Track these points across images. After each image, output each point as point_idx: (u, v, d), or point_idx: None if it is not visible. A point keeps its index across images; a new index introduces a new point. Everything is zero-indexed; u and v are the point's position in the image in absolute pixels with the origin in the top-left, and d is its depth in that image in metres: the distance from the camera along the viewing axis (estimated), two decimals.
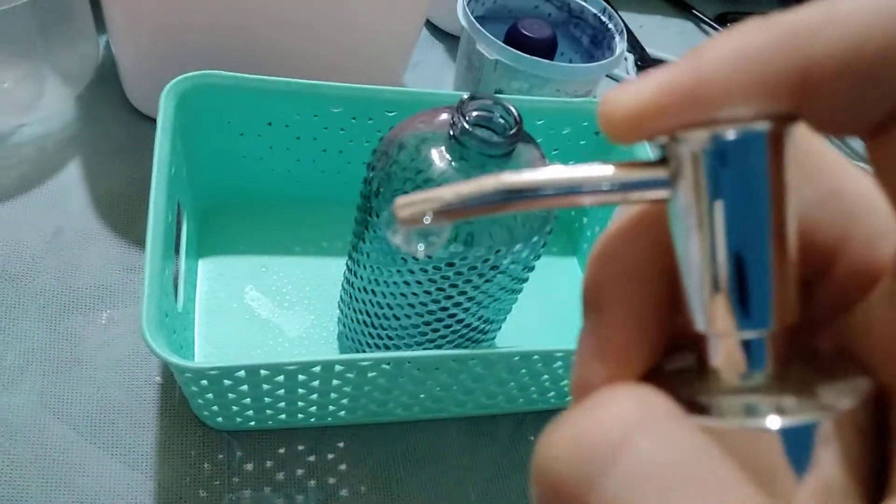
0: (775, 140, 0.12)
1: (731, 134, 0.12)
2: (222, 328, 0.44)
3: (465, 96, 0.34)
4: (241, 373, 0.34)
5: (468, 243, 0.34)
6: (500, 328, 0.44)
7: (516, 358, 0.38)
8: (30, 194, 0.49)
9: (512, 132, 0.33)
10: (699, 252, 0.13)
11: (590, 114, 0.50)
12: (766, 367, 0.13)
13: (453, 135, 0.34)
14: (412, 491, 0.42)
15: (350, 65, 0.54)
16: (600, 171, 0.13)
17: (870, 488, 0.12)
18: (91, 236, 0.48)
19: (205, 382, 0.35)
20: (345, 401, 0.40)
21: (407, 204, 0.14)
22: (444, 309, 0.38)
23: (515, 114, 0.34)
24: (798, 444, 0.12)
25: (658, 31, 0.83)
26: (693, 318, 0.13)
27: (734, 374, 0.13)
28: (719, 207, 0.12)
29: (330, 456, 0.42)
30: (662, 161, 0.13)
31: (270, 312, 0.46)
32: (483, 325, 0.41)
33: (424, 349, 0.40)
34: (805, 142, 0.13)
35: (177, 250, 0.42)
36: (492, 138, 0.33)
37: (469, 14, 0.56)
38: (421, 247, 0.15)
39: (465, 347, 0.42)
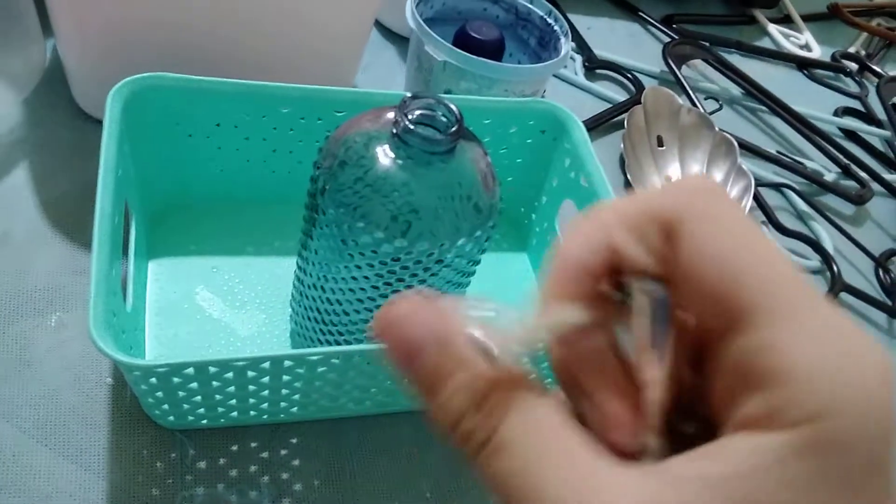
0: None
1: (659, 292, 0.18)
2: (173, 329, 0.45)
3: (408, 95, 0.35)
4: (190, 370, 0.35)
5: (412, 238, 0.35)
6: None
7: None
8: None
9: (453, 130, 0.34)
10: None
11: (536, 113, 0.52)
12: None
13: (396, 133, 0.35)
14: (365, 484, 0.42)
15: (300, 66, 0.55)
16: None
17: None
18: (40, 239, 0.47)
19: (154, 380, 0.35)
20: (296, 396, 0.40)
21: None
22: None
23: (457, 112, 0.35)
24: None
25: (606, 33, 0.85)
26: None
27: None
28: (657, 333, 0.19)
29: (283, 452, 0.42)
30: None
31: (222, 312, 0.46)
32: None
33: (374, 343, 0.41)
34: None
35: (125, 251, 0.42)
36: (434, 136, 0.34)
37: (418, 16, 0.57)
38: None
39: None
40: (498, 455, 0.16)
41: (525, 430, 0.16)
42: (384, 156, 0.35)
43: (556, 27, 0.61)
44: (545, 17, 0.62)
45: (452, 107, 0.35)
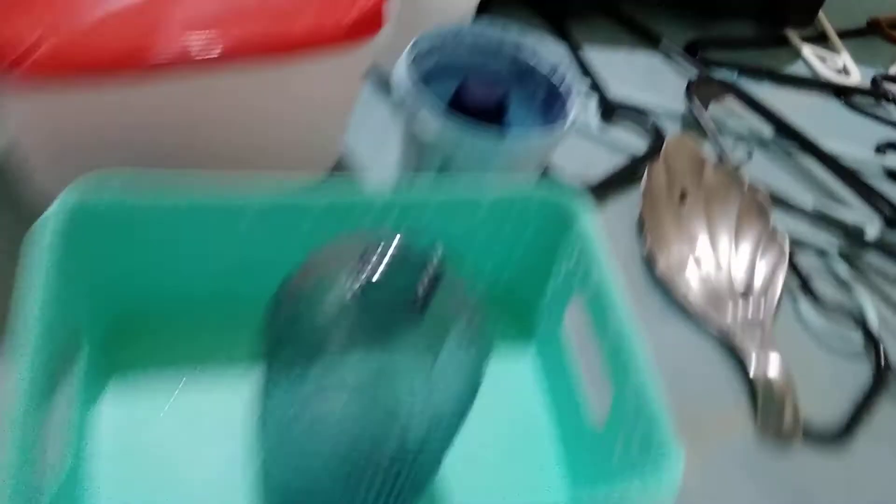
0: None
1: None
2: (127, 471, 0.40)
3: (371, 244, 0.29)
4: None
5: None
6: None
7: None
8: None
9: (423, 294, 0.28)
10: None
11: (542, 201, 0.46)
12: None
13: (360, 287, 0.29)
14: None
15: (278, 148, 0.50)
16: None
17: None
18: None
19: None
20: None
21: None
22: None
23: (433, 266, 0.29)
24: None
25: (624, 68, 0.78)
26: None
27: None
28: None
29: None
30: None
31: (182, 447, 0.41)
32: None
33: None
34: None
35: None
36: (401, 297, 0.29)
37: (411, 85, 0.51)
38: None
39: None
40: None
41: None
42: (344, 316, 0.30)
43: (561, 88, 0.55)
44: (551, 72, 0.56)
45: (432, 255, 0.29)
